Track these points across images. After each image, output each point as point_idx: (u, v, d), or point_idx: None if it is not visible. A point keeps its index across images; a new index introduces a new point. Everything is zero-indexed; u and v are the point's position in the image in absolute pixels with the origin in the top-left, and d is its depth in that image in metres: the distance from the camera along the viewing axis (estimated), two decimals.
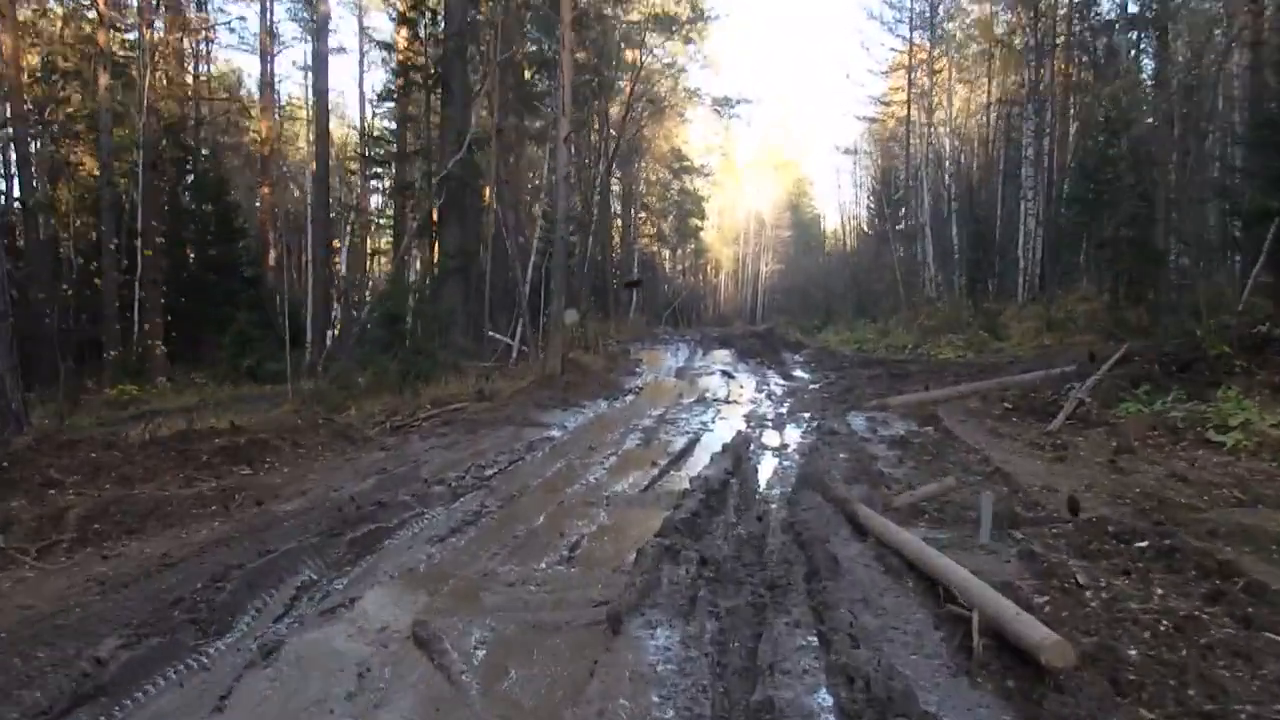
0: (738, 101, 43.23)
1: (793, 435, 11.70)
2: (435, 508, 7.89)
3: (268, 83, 32.39)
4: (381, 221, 31.29)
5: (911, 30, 34.86)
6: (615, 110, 32.33)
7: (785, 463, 9.76)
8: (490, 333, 19.90)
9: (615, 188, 46.21)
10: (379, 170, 22.74)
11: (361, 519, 7.18)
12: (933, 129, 33.13)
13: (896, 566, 5.40)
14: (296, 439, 9.44)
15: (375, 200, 34.69)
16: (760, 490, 8.35)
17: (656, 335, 37.75)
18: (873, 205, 52.93)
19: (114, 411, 16.41)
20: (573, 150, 25.40)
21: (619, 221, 46.55)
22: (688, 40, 36.15)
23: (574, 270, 24.54)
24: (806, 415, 13.22)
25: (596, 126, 31.35)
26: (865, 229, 54.48)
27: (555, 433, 12.02)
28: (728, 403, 15.53)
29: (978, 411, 12.16)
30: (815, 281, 59.01)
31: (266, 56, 33.00)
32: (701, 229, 62.09)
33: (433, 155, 19.10)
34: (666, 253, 65.75)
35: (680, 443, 11.33)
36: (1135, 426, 9.49)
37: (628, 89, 28.31)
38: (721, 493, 7.84)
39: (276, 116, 33.58)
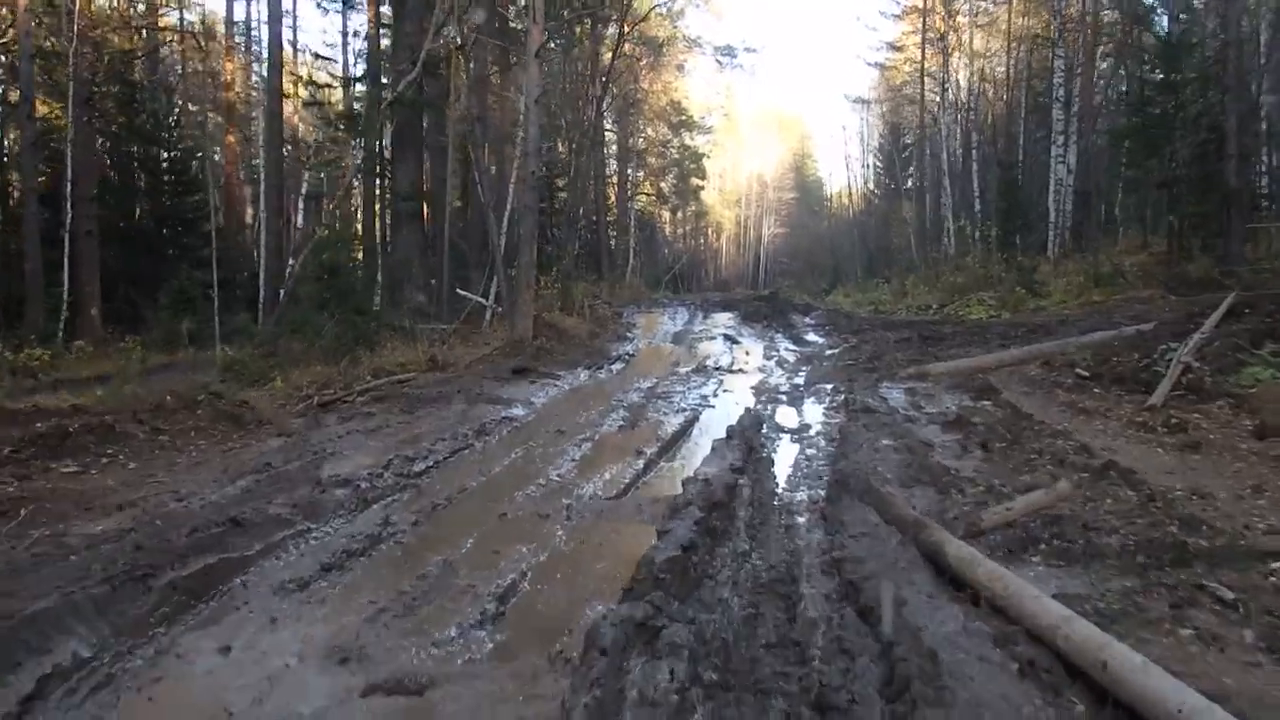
0: (741, 50, 40.24)
1: (815, 413, 9.35)
2: (325, 524, 5.56)
3: (233, 22, 29.73)
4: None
5: None
6: (608, 56, 29.74)
7: (810, 451, 7.43)
8: (459, 290, 17.50)
9: (611, 143, 43.55)
10: (322, 101, 19.92)
11: (199, 547, 4.85)
12: (951, 72, 30.33)
13: (1045, 666, 3.07)
14: (159, 423, 7.07)
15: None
16: (781, 495, 6.02)
17: (655, 299, 35.33)
18: (880, 162, 50.31)
19: (18, 381, 14.06)
20: (558, 80, 22.87)
21: (614, 179, 43.91)
22: None
23: (560, 223, 22.07)
24: (829, 387, 10.85)
25: (587, 71, 28.65)
26: (872, 187, 51.88)
27: (518, 411, 9.65)
28: (732, 371, 13.18)
29: (1042, 381, 9.79)
30: (821, 243, 56.64)
31: None
32: (702, 189, 59.17)
33: (382, 79, 16.50)
34: (666, 214, 63.15)
35: (674, 424, 8.99)
36: (1277, 398, 7.12)
37: (619, 29, 25.55)
38: (727, 504, 5.51)
39: (245, 60, 30.93)
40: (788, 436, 8.22)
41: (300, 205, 19.64)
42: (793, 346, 16.23)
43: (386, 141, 18.57)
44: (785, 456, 7.32)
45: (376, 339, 12.30)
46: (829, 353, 14.65)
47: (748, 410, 9.27)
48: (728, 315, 24.75)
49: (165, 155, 25.28)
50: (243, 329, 14.48)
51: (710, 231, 72.91)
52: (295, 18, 38.86)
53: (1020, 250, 21.17)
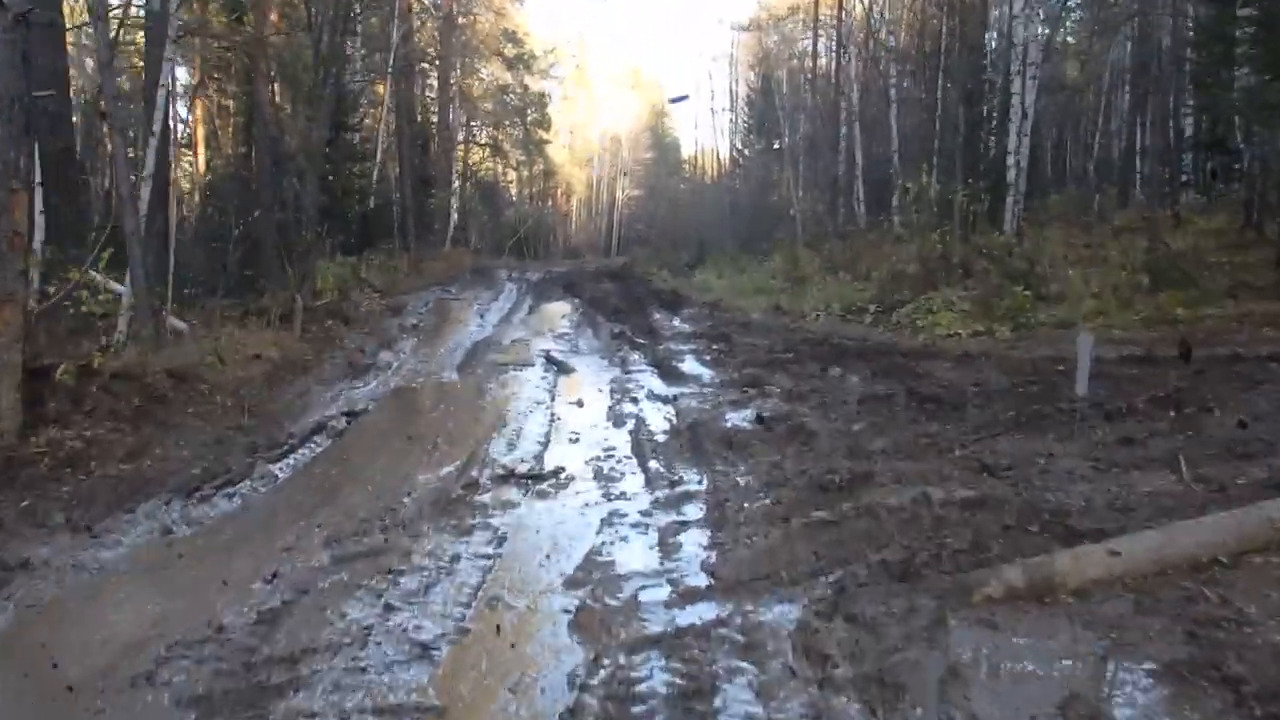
0: None
1: None
2: None
3: None
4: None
5: None
6: None
7: None
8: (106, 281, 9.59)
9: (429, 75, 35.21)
10: None
11: None
12: None
13: None
14: None
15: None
16: None
17: (484, 271, 27.57)
18: (750, 118, 44.18)
19: None
20: None
21: (434, 121, 35.60)
22: None
23: (303, 173, 14.20)
24: (789, 617, 3.76)
25: None
26: (740, 146, 45.79)
27: None
28: (539, 485, 6.00)
29: None
30: (682, 209, 50.19)
31: None
32: (549, 142, 51.59)
33: None
34: (511, 173, 55.32)
35: None
36: None
37: None
38: None
39: None
40: None
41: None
42: (662, 388, 9.16)
43: None
44: None
45: None
46: (731, 418, 7.59)
47: None
48: (564, 305, 17.62)
49: None
50: None
51: (560, 193, 65.53)
52: None
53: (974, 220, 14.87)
